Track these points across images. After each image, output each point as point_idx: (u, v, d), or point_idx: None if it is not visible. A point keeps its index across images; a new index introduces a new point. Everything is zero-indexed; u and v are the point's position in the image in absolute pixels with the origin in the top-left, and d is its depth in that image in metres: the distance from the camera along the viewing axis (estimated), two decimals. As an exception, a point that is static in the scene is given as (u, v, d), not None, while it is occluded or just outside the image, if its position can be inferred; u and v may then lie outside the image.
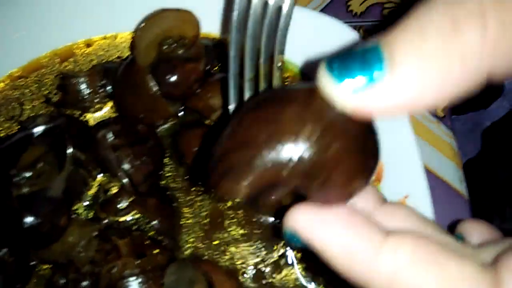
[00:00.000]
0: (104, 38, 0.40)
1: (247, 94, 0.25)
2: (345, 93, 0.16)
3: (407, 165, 0.38)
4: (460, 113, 1.25)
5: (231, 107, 0.26)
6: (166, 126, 0.37)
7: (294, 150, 0.17)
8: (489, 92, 1.23)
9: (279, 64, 0.26)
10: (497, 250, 0.19)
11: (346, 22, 0.51)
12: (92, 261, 0.31)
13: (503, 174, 0.93)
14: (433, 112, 0.50)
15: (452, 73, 0.15)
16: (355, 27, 0.52)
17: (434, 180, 0.47)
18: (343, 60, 0.16)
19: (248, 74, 0.24)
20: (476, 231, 0.24)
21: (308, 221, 0.19)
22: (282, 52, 0.27)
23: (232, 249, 0.35)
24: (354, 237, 0.18)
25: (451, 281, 0.17)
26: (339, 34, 0.42)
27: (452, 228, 0.26)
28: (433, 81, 0.15)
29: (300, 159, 0.17)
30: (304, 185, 0.18)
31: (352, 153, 0.18)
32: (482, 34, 0.14)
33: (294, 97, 0.18)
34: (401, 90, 0.16)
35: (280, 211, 0.26)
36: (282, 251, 0.36)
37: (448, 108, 0.51)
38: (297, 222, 0.19)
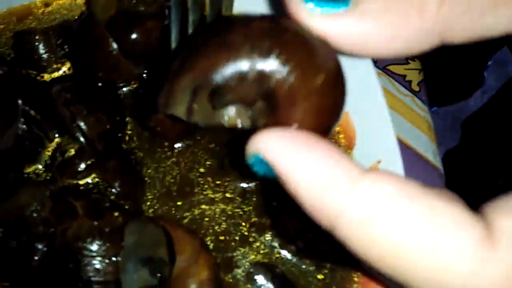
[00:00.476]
0: (66, -3, 0.38)
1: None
2: (312, 13, 0.17)
3: (379, 131, 0.37)
4: (441, 104, 1.26)
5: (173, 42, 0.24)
6: (128, 87, 0.36)
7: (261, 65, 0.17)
8: (469, 83, 1.25)
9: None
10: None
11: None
12: (46, 222, 0.29)
13: (483, 164, 0.94)
14: (407, 86, 0.50)
15: (409, 21, 0.17)
16: None
17: (407, 153, 0.46)
18: None
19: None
20: None
21: (276, 144, 0.16)
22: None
23: (203, 207, 0.34)
24: (327, 166, 0.15)
25: (440, 223, 0.15)
26: None
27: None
28: (390, 23, 0.17)
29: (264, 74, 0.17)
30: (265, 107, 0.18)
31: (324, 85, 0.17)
32: None
33: (261, 18, 0.17)
34: (361, 22, 0.17)
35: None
36: (253, 220, 0.35)
37: (423, 83, 0.51)
38: (263, 144, 0.16)
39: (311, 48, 0.17)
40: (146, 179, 0.34)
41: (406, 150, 0.47)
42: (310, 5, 0.17)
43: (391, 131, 0.37)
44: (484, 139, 0.98)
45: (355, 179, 0.15)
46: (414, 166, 0.46)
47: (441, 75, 1.05)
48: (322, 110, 0.18)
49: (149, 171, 0.34)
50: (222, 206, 0.35)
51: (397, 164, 0.36)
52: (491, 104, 1.04)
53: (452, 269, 0.15)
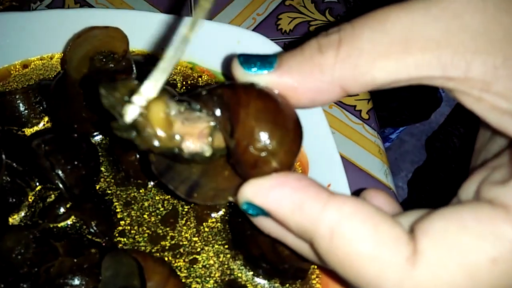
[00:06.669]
0: (41, 59, 0.42)
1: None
2: (245, 73, 0.24)
3: (327, 158, 0.42)
4: (404, 124, 1.34)
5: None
6: (101, 135, 0.40)
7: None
8: (429, 104, 1.33)
9: None
10: (411, 219, 0.21)
11: (276, 39, 0.57)
12: (30, 263, 0.32)
13: (444, 177, 1.00)
14: (358, 115, 0.55)
15: (314, 75, 0.23)
16: (284, 43, 0.57)
17: (360, 174, 0.51)
18: (249, 55, 0.24)
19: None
20: (378, 199, 0.26)
21: (260, 190, 0.22)
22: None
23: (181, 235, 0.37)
24: (302, 196, 0.21)
25: (381, 240, 0.20)
26: (262, 47, 0.46)
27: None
28: (301, 78, 0.23)
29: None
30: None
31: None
32: (335, 54, 0.22)
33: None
34: (282, 78, 0.24)
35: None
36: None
37: (372, 112, 0.57)
38: (251, 193, 0.22)
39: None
40: (120, 216, 0.37)
41: (359, 172, 0.52)
42: (246, 68, 0.24)
43: (338, 159, 0.42)
44: (444, 156, 1.04)
45: (323, 204, 0.21)
46: (367, 186, 0.51)
47: (400, 100, 1.12)
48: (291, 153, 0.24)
49: (122, 209, 0.38)
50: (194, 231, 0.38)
51: (344, 187, 0.41)
52: (447, 122, 1.12)
53: (386, 276, 0.19)
